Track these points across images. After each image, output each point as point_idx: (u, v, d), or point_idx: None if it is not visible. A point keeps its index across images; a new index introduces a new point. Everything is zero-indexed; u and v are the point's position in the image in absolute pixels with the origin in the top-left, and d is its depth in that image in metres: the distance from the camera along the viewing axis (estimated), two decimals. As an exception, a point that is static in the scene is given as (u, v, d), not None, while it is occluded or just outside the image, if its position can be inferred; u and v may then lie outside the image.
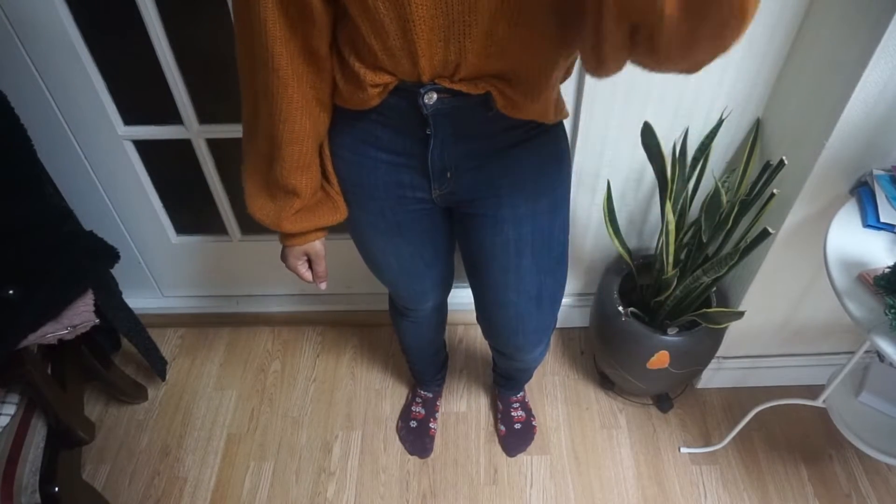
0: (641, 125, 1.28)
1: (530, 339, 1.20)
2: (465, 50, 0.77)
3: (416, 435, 1.66)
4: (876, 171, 1.16)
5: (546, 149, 0.99)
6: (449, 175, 0.96)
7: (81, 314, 1.35)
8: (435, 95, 0.83)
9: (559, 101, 0.97)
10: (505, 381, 1.60)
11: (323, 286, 1.08)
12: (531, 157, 0.97)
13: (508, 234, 1.02)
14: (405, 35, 0.75)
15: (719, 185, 1.32)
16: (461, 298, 1.79)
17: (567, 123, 1.32)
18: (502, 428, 1.66)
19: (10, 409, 1.30)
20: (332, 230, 1.06)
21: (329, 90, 0.89)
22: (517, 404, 1.67)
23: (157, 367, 1.74)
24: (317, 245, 1.03)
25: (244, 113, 0.91)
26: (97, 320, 1.38)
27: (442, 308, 1.43)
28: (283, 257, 1.05)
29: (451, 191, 0.99)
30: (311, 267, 1.07)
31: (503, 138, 0.93)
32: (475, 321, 1.26)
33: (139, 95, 1.48)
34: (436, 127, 0.88)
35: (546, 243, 1.05)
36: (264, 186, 0.95)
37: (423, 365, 1.62)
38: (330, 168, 0.98)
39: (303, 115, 0.86)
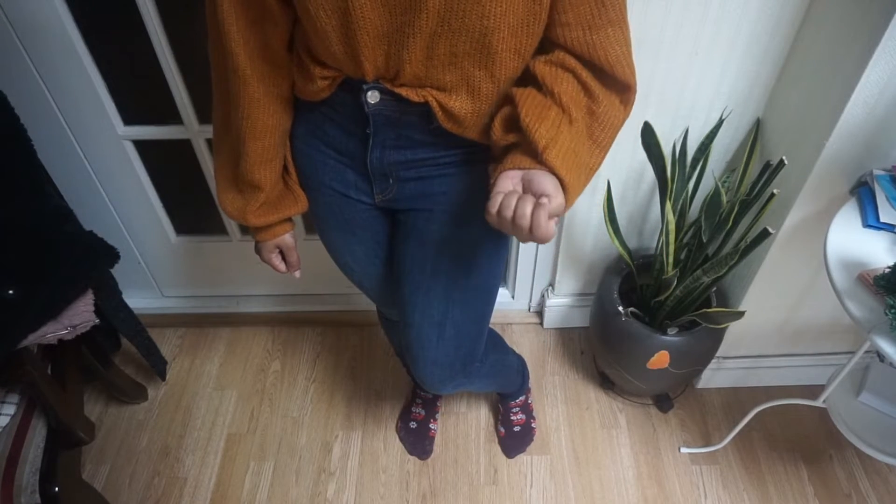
0: (641, 125, 1.28)
1: (430, 370, 1.12)
2: (403, 60, 0.79)
3: (416, 436, 1.66)
4: (876, 171, 1.16)
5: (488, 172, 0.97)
6: (391, 182, 0.97)
7: (81, 314, 1.35)
8: (378, 95, 0.85)
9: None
10: None
11: (297, 275, 1.14)
12: (472, 180, 0.96)
13: (429, 251, 1.02)
14: (347, 41, 0.78)
15: (719, 185, 1.32)
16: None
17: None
18: (502, 430, 1.66)
19: (10, 409, 1.29)
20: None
21: (290, 86, 0.93)
22: (517, 408, 1.66)
23: (157, 367, 1.74)
24: (287, 238, 1.09)
25: (215, 110, 0.95)
26: (97, 320, 1.38)
27: None
28: (257, 251, 1.11)
29: (394, 198, 1.00)
30: (284, 259, 1.12)
31: (445, 155, 0.94)
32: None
33: (139, 95, 1.48)
34: (376, 128, 0.90)
35: (465, 269, 1.03)
36: (233, 181, 0.99)
37: None
38: (289, 158, 1.01)
39: (264, 111, 0.91)
